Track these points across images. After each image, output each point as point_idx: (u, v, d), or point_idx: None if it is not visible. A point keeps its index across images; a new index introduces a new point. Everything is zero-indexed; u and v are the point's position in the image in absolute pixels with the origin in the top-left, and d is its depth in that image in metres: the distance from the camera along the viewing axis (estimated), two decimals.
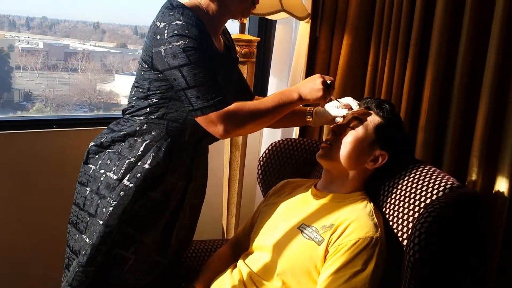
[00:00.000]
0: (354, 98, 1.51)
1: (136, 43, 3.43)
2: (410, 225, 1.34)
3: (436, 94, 1.74)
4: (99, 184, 1.43)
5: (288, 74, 2.30)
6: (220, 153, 2.21)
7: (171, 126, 1.42)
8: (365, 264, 1.29)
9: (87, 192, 1.46)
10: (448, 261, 1.30)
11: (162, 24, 1.33)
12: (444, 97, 1.72)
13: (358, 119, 1.44)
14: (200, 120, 1.34)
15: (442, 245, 1.26)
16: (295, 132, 2.22)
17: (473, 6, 1.60)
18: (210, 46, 1.39)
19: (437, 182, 1.35)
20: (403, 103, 1.85)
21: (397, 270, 1.31)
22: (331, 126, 1.51)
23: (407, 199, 1.38)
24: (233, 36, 1.69)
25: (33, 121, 2.11)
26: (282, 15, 2.04)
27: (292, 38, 2.33)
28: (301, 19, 2.08)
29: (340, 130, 1.45)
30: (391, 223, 1.40)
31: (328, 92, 1.39)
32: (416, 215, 1.33)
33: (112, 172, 1.42)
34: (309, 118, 1.58)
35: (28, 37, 3.27)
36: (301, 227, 1.41)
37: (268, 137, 2.38)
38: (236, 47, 1.78)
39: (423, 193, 1.35)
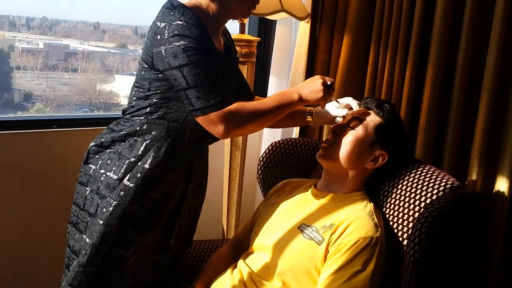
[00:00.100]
0: (354, 98, 1.51)
1: (136, 43, 3.44)
2: (410, 225, 1.34)
3: (436, 94, 1.74)
4: (99, 184, 1.43)
5: (288, 74, 2.30)
6: (220, 153, 2.21)
7: (171, 126, 1.42)
8: (365, 264, 1.29)
9: (87, 192, 1.46)
10: (448, 261, 1.30)
11: (163, 24, 1.33)
12: (444, 97, 1.73)
13: (358, 119, 1.44)
14: (200, 120, 1.34)
15: (442, 245, 1.26)
16: (295, 132, 2.23)
17: (473, 6, 1.61)
18: (210, 46, 1.39)
19: (437, 182, 1.35)
20: (403, 103, 1.85)
21: (397, 270, 1.32)
22: (331, 126, 1.51)
23: (407, 199, 1.38)
24: (233, 36, 1.69)
25: (33, 121, 2.11)
26: (282, 15, 2.04)
27: (292, 38, 2.33)
28: (301, 19, 2.08)
29: (340, 130, 1.45)
30: (391, 223, 1.40)
31: (328, 93, 1.39)
32: (416, 215, 1.33)
33: (112, 172, 1.42)
34: (309, 118, 1.58)
35: (27, 37, 3.27)
36: (301, 227, 1.41)
37: (268, 137, 2.39)
38: (236, 47, 1.78)
39: (423, 193, 1.35)
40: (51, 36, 3.33)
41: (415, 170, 1.44)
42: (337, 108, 1.49)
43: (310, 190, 1.51)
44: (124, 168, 1.41)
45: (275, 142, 1.82)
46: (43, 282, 1.98)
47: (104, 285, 1.43)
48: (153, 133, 1.43)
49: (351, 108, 1.48)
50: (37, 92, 3.24)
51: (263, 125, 1.44)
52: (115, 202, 1.39)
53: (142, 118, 1.44)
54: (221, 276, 1.50)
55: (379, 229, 1.33)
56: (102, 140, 1.48)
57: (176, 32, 1.30)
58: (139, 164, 1.41)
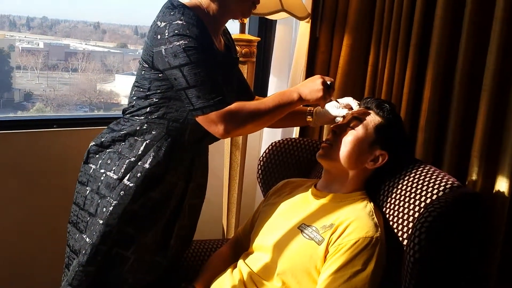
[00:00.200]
0: (354, 98, 1.51)
1: (137, 43, 3.44)
2: (410, 225, 1.34)
3: (436, 94, 1.74)
4: (99, 183, 1.43)
5: (288, 74, 2.30)
6: (220, 153, 2.21)
7: (171, 125, 1.42)
8: (365, 264, 1.28)
9: (87, 191, 1.46)
10: (448, 261, 1.30)
11: (163, 24, 1.33)
12: (444, 97, 1.73)
13: (358, 119, 1.44)
14: (200, 119, 1.34)
15: (442, 245, 1.26)
16: (295, 132, 2.23)
17: (473, 6, 1.61)
18: (210, 46, 1.39)
19: (437, 182, 1.35)
20: (403, 103, 1.85)
21: (397, 270, 1.32)
22: (331, 126, 1.51)
23: (407, 199, 1.38)
24: (233, 36, 1.69)
25: (34, 121, 2.12)
26: (282, 15, 2.04)
27: (292, 38, 2.33)
28: (301, 19, 2.08)
29: (340, 130, 1.45)
30: (391, 223, 1.40)
31: (328, 92, 1.39)
32: (416, 215, 1.33)
33: (112, 171, 1.42)
34: (309, 118, 1.58)
35: (27, 37, 3.27)
36: (301, 227, 1.41)
37: (268, 137, 2.39)
38: (236, 47, 1.78)
39: (423, 193, 1.35)
40: (51, 36, 3.33)
41: (415, 170, 1.44)
42: (337, 108, 1.49)
43: (310, 190, 1.51)
44: (124, 167, 1.41)
45: (275, 142, 1.82)
46: (41, 282, 1.98)
47: (104, 284, 1.43)
48: (153, 132, 1.43)
49: (351, 108, 1.48)
50: (37, 92, 3.24)
51: (263, 124, 1.44)
52: (115, 202, 1.39)
53: (142, 117, 1.44)
54: (221, 276, 1.50)
55: (379, 229, 1.33)
56: (102, 139, 1.48)
57: (176, 31, 1.30)
58: (139, 163, 1.41)
